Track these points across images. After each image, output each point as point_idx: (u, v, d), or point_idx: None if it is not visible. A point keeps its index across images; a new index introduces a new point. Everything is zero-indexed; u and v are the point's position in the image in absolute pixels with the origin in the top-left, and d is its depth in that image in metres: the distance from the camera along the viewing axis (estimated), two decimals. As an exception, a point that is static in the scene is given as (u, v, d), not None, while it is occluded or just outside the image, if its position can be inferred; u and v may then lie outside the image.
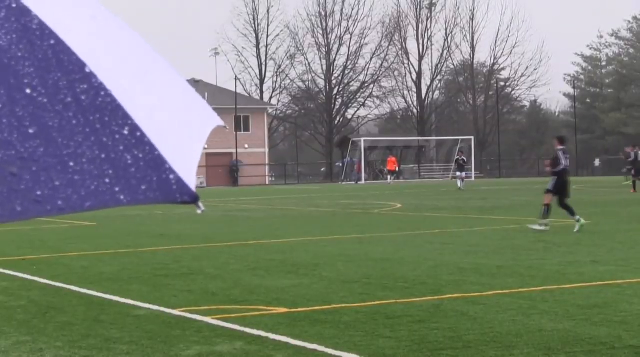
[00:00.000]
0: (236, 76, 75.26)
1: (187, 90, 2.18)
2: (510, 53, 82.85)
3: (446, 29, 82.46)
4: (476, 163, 69.90)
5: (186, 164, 1.99)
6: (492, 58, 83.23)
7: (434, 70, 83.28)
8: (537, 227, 18.16)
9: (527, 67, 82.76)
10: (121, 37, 2.16)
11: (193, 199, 1.97)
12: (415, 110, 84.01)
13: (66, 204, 1.86)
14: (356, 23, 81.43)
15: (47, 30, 2.00)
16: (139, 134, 1.96)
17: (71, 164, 1.90)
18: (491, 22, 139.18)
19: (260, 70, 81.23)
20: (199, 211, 2.02)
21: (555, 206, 18.63)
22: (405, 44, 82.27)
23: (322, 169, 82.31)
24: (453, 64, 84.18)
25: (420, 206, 29.63)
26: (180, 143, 2.02)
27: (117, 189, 1.91)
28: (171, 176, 1.95)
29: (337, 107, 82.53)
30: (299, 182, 71.39)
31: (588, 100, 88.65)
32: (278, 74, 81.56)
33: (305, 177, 78.85)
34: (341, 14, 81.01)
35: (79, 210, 1.87)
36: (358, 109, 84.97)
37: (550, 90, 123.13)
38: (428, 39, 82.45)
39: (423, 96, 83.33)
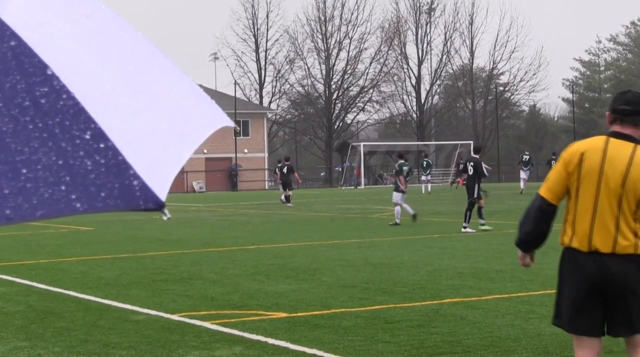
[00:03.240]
0: (235, 81, 75.30)
1: (192, 91, 2.10)
2: (509, 58, 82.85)
3: (445, 34, 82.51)
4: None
5: (163, 168, 1.91)
6: (491, 63, 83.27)
7: (433, 75, 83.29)
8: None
9: (526, 72, 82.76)
10: (119, 37, 2.09)
11: (158, 206, 1.88)
12: (414, 115, 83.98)
13: (15, 213, 1.78)
14: (355, 28, 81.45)
15: (8, 32, 1.92)
16: (101, 138, 1.87)
17: (24, 171, 1.81)
18: (490, 27, 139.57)
19: (260, 75, 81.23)
20: (164, 218, 1.93)
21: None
22: (405, 48, 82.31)
23: (322, 174, 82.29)
24: (452, 69, 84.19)
25: (419, 210, 29.61)
26: (165, 146, 1.94)
27: (73, 196, 1.82)
28: (135, 182, 1.86)
29: (336, 111, 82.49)
30: (298, 187, 71.40)
31: (587, 105, 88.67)
32: (277, 78, 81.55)
33: (304, 182, 78.82)
34: (340, 19, 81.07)
35: (30, 219, 1.79)
36: (357, 113, 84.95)
37: (549, 95, 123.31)
38: (427, 43, 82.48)
39: (422, 101, 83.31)
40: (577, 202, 4.72)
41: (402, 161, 23.17)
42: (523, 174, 43.82)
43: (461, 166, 20.85)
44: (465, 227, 19.86)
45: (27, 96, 1.88)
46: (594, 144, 4.77)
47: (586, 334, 4.77)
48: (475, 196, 20.20)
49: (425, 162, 46.76)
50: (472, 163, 20.51)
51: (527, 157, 45.21)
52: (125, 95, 1.98)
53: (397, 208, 22.43)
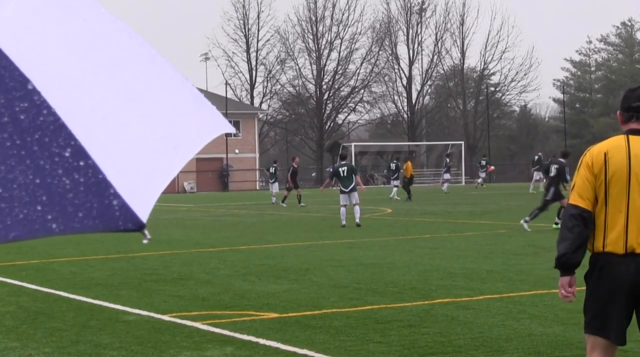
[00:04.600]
0: (226, 81, 75.21)
1: (192, 97, 2.03)
2: (500, 58, 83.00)
3: (436, 34, 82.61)
4: (466, 168, 69.95)
5: (149, 184, 1.84)
6: (482, 63, 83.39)
7: (424, 75, 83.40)
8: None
9: (517, 73, 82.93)
10: (117, 42, 2.03)
11: (137, 226, 1.80)
12: (405, 116, 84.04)
13: None
14: (346, 28, 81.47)
15: None
16: (82, 156, 1.80)
17: None
18: (481, 27, 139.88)
19: (251, 75, 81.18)
20: (144, 241, 1.84)
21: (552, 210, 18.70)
22: (396, 49, 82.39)
23: (313, 174, 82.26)
24: (443, 69, 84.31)
25: (411, 210, 29.66)
26: (156, 158, 1.87)
27: (49, 217, 1.75)
28: (115, 202, 1.79)
29: (327, 112, 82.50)
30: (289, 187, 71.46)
31: (577, 106, 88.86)
32: (268, 79, 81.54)
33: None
34: (331, 19, 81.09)
35: (2, 241, 1.72)
36: (348, 114, 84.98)
37: (539, 95, 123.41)
38: (418, 44, 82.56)
39: (413, 101, 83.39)
40: (607, 204, 4.51)
41: (342, 163, 23.48)
42: (536, 175, 43.65)
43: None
44: (526, 221, 19.75)
45: (6, 112, 1.82)
46: (614, 143, 4.59)
47: (614, 342, 4.58)
48: (550, 198, 20.13)
49: (445, 161, 47.09)
50: (556, 166, 20.51)
51: (537, 157, 45.08)
52: (117, 104, 1.92)
53: (342, 210, 22.70)
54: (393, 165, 40.53)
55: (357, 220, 22.33)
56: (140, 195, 1.83)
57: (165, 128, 1.95)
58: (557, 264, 4.66)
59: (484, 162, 52.47)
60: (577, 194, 4.56)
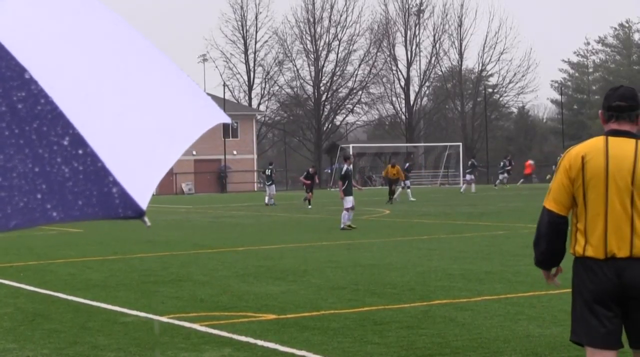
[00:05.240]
0: (224, 82, 75.19)
1: (188, 88, 2.04)
2: (498, 60, 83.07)
3: (434, 36, 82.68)
4: (464, 169, 69.92)
5: (148, 172, 1.84)
6: (480, 65, 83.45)
7: (422, 76, 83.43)
8: None
9: (514, 74, 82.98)
10: (113, 35, 2.04)
11: (137, 213, 1.81)
12: (403, 117, 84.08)
13: None
14: (344, 29, 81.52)
15: None
16: (80, 144, 1.81)
17: None
18: (479, 28, 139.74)
19: (249, 77, 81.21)
20: (146, 227, 1.87)
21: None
22: (394, 50, 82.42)
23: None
24: (441, 71, 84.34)
25: (409, 212, 29.66)
26: (153, 147, 1.88)
27: (49, 205, 1.75)
28: (114, 189, 1.80)
29: (325, 113, 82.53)
30: (287, 189, 71.43)
31: (575, 107, 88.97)
32: (266, 80, 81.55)
33: (293, 183, 78.82)
34: (329, 21, 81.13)
35: (3, 230, 1.73)
36: (346, 115, 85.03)
37: (537, 96, 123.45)
38: (416, 45, 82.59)
39: (411, 102, 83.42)
40: (586, 208, 4.43)
41: (344, 165, 23.14)
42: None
43: None
44: None
45: (4, 101, 1.82)
46: (593, 145, 4.51)
47: (604, 347, 4.45)
48: None
49: (470, 162, 47.32)
50: None
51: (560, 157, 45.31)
52: (112, 95, 1.92)
53: (344, 213, 22.21)
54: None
55: (341, 225, 21.65)
56: (139, 183, 1.83)
57: (162, 118, 1.95)
58: (535, 265, 4.75)
59: (501, 164, 52.82)
60: (551, 199, 4.53)
